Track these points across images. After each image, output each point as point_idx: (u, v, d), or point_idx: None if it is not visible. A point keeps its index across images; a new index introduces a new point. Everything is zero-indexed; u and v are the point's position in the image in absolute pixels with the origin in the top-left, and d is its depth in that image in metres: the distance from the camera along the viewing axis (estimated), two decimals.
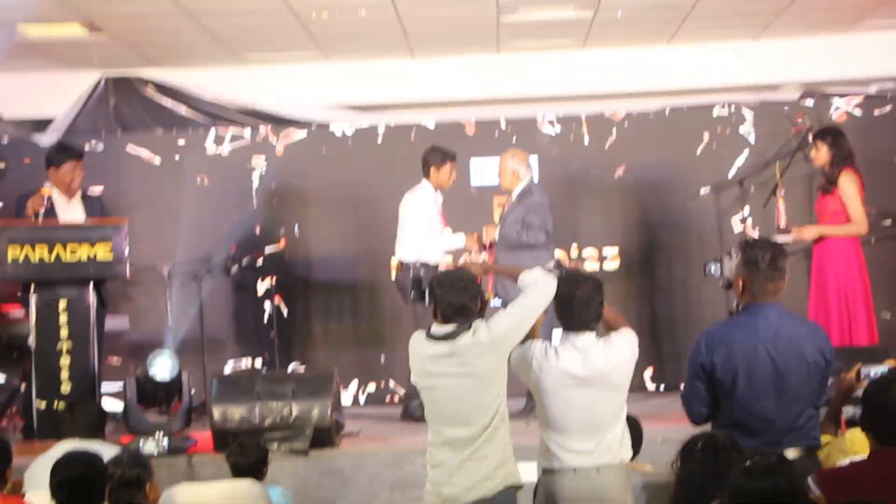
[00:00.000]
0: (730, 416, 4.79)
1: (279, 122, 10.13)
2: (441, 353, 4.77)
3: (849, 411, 5.07)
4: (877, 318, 8.02)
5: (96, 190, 8.95)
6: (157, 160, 10.05)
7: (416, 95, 10.20)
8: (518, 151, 8.44)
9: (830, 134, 7.98)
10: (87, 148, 9.27)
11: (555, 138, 10.07)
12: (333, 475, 6.92)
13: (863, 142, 8.85)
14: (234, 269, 9.56)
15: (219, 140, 10.09)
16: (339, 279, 10.05)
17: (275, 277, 9.75)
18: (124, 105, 10.11)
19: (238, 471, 5.61)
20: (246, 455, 5.65)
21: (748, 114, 9.96)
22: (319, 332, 10.04)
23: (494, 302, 7.75)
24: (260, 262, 9.90)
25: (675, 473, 4.22)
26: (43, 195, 7.70)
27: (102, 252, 7.41)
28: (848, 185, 7.79)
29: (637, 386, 8.57)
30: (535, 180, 8.68)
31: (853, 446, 4.71)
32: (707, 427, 4.86)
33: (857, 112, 9.88)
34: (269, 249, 9.98)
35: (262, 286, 9.93)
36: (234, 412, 7.03)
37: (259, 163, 10.07)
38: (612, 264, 9.97)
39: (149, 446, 6.89)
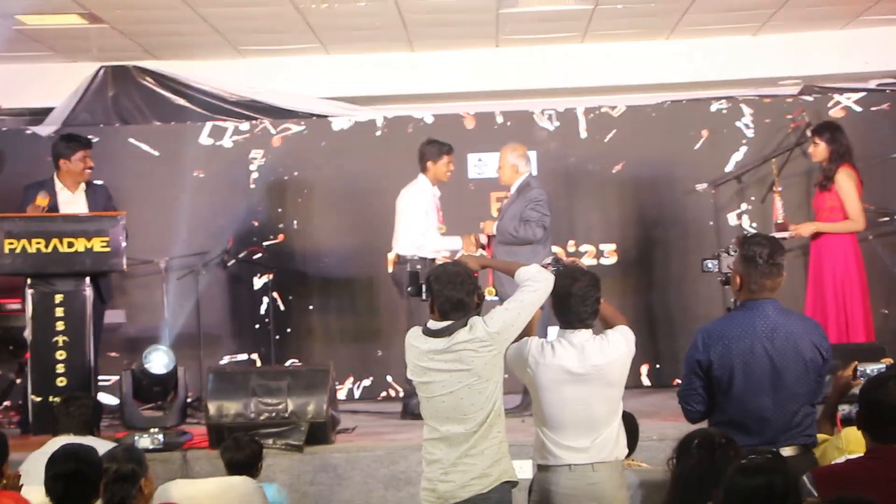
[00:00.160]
0: (726, 413, 4.79)
1: (277, 115, 10.12)
2: (437, 348, 4.76)
3: (845, 409, 5.07)
4: (874, 315, 8.02)
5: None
6: (154, 152, 10.03)
7: (414, 88, 10.20)
8: (518, 146, 8.42)
9: (829, 129, 7.97)
10: None
11: (553, 132, 10.05)
12: (328, 471, 6.90)
13: (861, 138, 8.85)
14: (231, 262, 9.53)
15: (217, 132, 10.07)
16: (337, 273, 10.03)
17: (272, 272, 9.72)
18: (123, 96, 10.10)
19: (233, 467, 5.60)
20: (241, 450, 5.64)
21: (746, 109, 9.95)
22: (316, 327, 10.02)
23: (493, 297, 7.74)
24: (257, 255, 9.88)
25: (671, 471, 4.23)
26: (38, 206, 7.65)
27: (99, 245, 7.38)
28: (845, 181, 7.78)
29: (633, 382, 8.57)
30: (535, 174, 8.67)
31: (849, 445, 4.70)
32: (704, 424, 4.86)
33: (856, 108, 9.87)
34: (266, 243, 9.96)
35: (259, 281, 9.91)
36: (230, 407, 7.02)
37: (257, 155, 10.05)
38: (609, 260, 9.97)
39: (144, 441, 6.87)
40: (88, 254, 7.37)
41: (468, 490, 4.72)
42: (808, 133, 8.38)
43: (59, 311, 7.39)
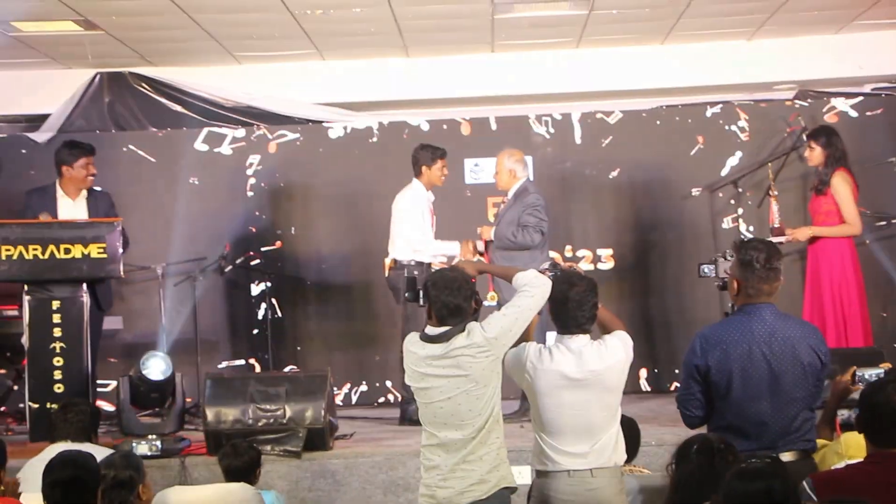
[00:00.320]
0: (724, 418, 4.79)
1: (274, 121, 10.11)
2: (435, 354, 4.75)
3: (844, 414, 5.07)
4: (871, 319, 8.02)
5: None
6: (151, 158, 10.03)
7: (410, 94, 10.19)
8: (515, 151, 8.41)
9: (824, 134, 7.97)
10: None
11: (548, 138, 10.06)
12: (327, 477, 6.89)
13: (856, 141, 8.86)
14: (229, 268, 9.51)
15: (213, 138, 10.06)
16: (334, 279, 10.03)
17: (269, 278, 9.71)
18: (119, 102, 10.09)
19: (231, 473, 5.59)
20: (239, 457, 5.63)
21: (742, 114, 9.97)
22: (314, 333, 10.02)
23: (494, 303, 7.74)
24: (255, 262, 9.87)
25: (671, 476, 4.23)
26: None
27: (96, 251, 7.36)
28: (841, 185, 7.78)
29: (632, 387, 8.58)
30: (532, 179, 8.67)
31: (848, 449, 4.70)
32: (703, 429, 4.85)
33: (851, 112, 9.88)
34: (263, 249, 9.95)
35: (257, 287, 9.90)
36: (228, 414, 7.00)
37: (253, 162, 10.04)
38: (606, 265, 9.97)
39: (142, 448, 6.85)
40: (85, 260, 7.33)
41: (467, 496, 4.72)
42: (804, 137, 8.39)
43: (56, 318, 7.35)
